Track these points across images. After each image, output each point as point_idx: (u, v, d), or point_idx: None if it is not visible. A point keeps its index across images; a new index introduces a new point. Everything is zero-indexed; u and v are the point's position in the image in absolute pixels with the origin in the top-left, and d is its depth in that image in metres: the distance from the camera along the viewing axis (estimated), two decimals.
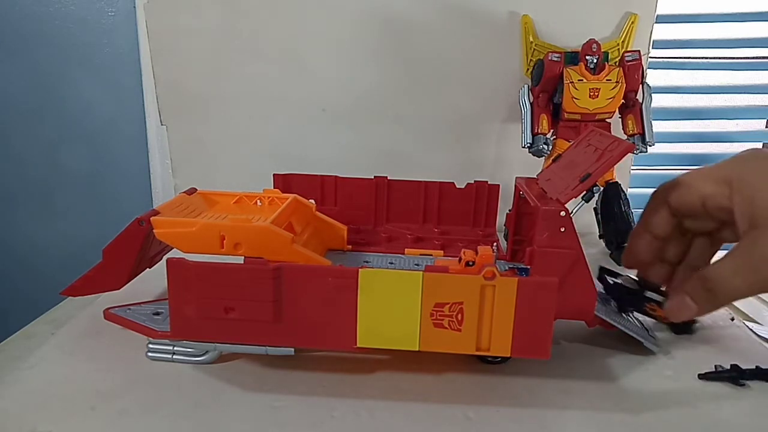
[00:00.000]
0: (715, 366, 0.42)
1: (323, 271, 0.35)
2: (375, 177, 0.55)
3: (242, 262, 0.41)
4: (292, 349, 0.37)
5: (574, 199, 0.39)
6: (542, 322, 0.35)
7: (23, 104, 0.87)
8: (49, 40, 0.84)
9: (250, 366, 0.41)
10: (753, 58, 1.00)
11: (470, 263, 0.36)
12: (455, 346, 0.35)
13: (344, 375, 0.40)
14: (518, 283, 0.34)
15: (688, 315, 0.37)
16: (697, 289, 0.36)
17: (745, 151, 0.37)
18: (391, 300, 0.35)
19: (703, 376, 0.41)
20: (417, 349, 0.36)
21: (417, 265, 0.46)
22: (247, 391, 0.38)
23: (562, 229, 0.38)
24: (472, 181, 0.56)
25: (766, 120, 1.05)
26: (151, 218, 0.40)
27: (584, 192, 0.38)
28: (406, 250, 0.50)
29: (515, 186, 0.50)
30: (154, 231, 0.40)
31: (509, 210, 0.52)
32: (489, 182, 0.56)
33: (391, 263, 0.47)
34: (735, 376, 0.41)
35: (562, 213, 0.37)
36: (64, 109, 0.87)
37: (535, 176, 0.49)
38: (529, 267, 0.39)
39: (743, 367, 0.41)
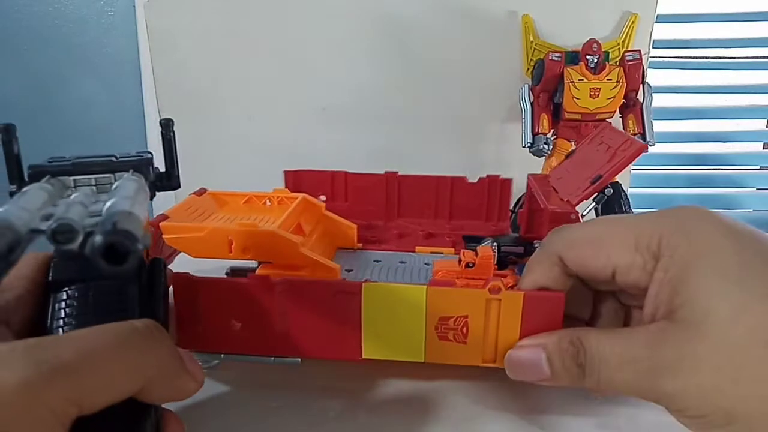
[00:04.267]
0: None
1: (327, 286, 0.35)
2: (386, 172, 0.55)
3: (256, 265, 0.41)
4: (299, 359, 0.37)
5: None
6: None
7: (22, 104, 0.87)
8: (49, 40, 0.84)
9: (249, 366, 0.41)
10: (753, 58, 1.00)
11: (470, 264, 0.36)
12: (461, 358, 0.35)
13: (344, 375, 0.40)
14: (524, 298, 0.33)
15: (531, 378, 0.30)
16: (566, 355, 0.28)
17: (679, 208, 0.28)
18: (396, 313, 0.35)
19: None
20: (423, 361, 0.36)
21: (427, 264, 0.46)
22: (247, 391, 0.38)
23: None
24: (485, 176, 0.55)
25: (766, 120, 1.05)
26: (160, 224, 0.39)
27: (595, 194, 0.37)
28: (416, 248, 0.49)
29: (527, 184, 0.50)
30: (163, 237, 0.39)
31: (520, 207, 0.52)
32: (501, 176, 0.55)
33: (402, 262, 0.47)
34: None
35: (572, 216, 0.37)
36: (63, 109, 0.87)
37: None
38: None
39: None
